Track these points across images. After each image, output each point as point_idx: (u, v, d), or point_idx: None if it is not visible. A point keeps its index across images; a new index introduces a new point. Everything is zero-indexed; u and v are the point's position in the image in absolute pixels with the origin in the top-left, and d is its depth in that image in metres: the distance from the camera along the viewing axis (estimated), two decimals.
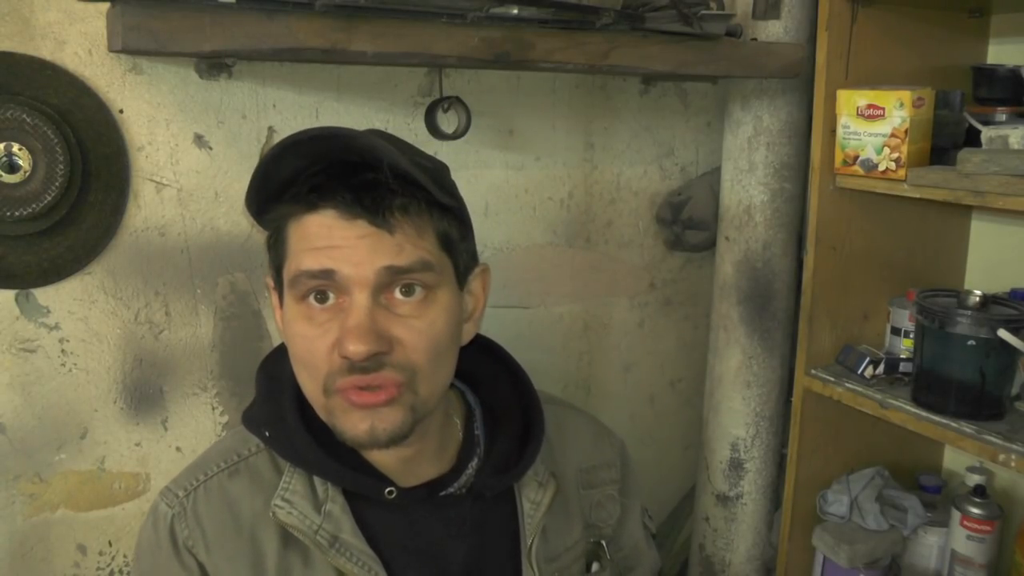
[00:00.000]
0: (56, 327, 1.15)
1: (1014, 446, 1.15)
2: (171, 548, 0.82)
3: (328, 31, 0.99)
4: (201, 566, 0.82)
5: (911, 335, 1.41)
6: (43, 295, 1.13)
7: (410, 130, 1.32)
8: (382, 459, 0.84)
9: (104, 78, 1.12)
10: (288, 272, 0.78)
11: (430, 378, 0.79)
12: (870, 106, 1.29)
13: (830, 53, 1.35)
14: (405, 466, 0.85)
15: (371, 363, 0.75)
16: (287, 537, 0.83)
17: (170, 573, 0.82)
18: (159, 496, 0.85)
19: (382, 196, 0.75)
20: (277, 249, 0.80)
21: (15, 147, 1.04)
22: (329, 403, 0.78)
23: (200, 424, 1.26)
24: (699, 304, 1.70)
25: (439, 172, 0.84)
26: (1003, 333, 1.18)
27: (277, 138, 1.24)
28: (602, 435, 1.02)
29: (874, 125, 1.29)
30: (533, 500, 0.89)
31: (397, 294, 0.77)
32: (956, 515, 1.39)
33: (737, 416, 1.58)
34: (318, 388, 0.78)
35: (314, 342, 0.77)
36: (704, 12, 1.24)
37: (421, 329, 0.77)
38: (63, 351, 1.16)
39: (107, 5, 1.01)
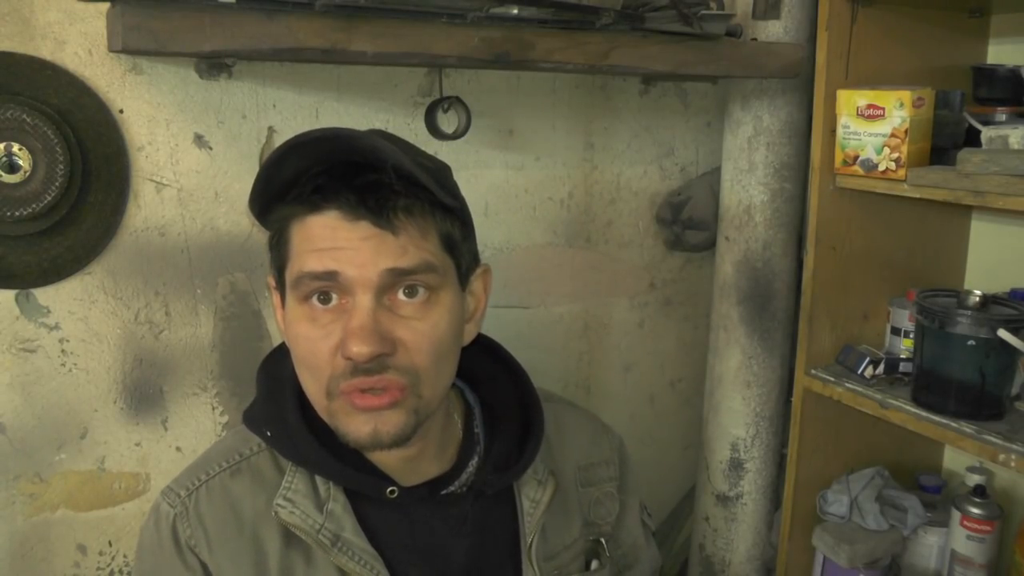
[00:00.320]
0: (56, 327, 1.15)
1: (1014, 446, 1.15)
2: (173, 548, 0.82)
3: (328, 31, 0.99)
4: (204, 566, 0.82)
5: (911, 335, 1.41)
6: (43, 295, 1.13)
7: (410, 130, 1.32)
8: (383, 458, 0.84)
9: (104, 78, 1.12)
10: (291, 273, 0.78)
11: (433, 380, 0.80)
12: (870, 106, 1.29)
13: (830, 53, 1.35)
14: (406, 465, 0.85)
15: (374, 365, 0.75)
16: (289, 536, 0.83)
17: (172, 573, 0.82)
18: (161, 496, 0.85)
19: (386, 197, 0.75)
20: (279, 250, 0.80)
21: (15, 147, 1.04)
22: (332, 405, 0.78)
23: (200, 424, 1.26)
24: (699, 304, 1.70)
25: (442, 173, 0.84)
26: (1003, 333, 1.18)
27: (277, 138, 1.24)
28: (600, 433, 1.03)
29: (874, 125, 1.29)
30: (532, 498, 0.89)
31: (400, 295, 0.77)
32: (956, 515, 1.39)
33: (737, 416, 1.58)
34: (321, 390, 0.78)
35: (317, 343, 0.77)
36: (704, 12, 1.24)
37: (424, 331, 0.77)
38: (63, 351, 1.16)
39: (107, 5, 1.01)
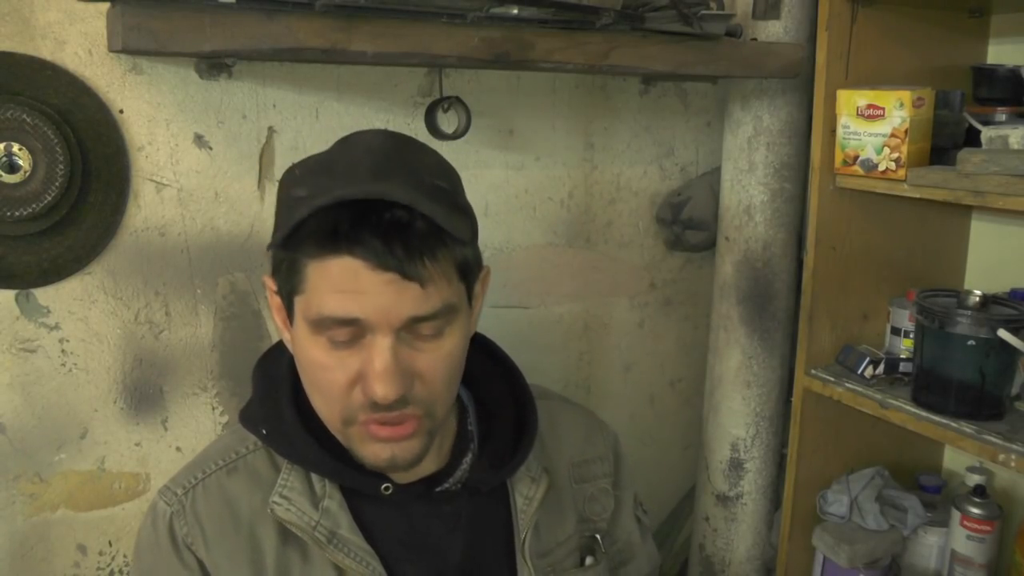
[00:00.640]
0: (56, 327, 1.15)
1: (1014, 446, 1.15)
2: (170, 546, 0.82)
3: (328, 31, 0.99)
4: (200, 563, 0.82)
5: (911, 335, 1.41)
6: (43, 295, 1.13)
7: (410, 130, 1.32)
8: None
9: (104, 78, 1.12)
10: (308, 308, 0.76)
11: (446, 400, 0.82)
12: (870, 106, 1.29)
13: (830, 53, 1.35)
14: None
15: (396, 403, 0.75)
16: (285, 534, 0.83)
17: (170, 571, 0.82)
18: (158, 494, 0.86)
19: (412, 244, 0.72)
20: (291, 276, 0.77)
21: (15, 147, 1.04)
22: (348, 431, 0.80)
23: (200, 424, 1.26)
24: (699, 304, 1.70)
25: (457, 194, 0.82)
26: (1003, 333, 1.18)
27: (277, 138, 1.24)
28: (594, 429, 1.03)
29: (874, 125, 1.29)
30: (526, 495, 0.90)
31: (419, 330, 0.77)
32: (956, 515, 1.39)
33: (737, 416, 1.58)
34: (336, 416, 0.79)
35: (332, 373, 0.77)
36: (704, 12, 1.24)
37: (439, 360, 0.78)
38: (63, 351, 1.16)
39: (107, 5, 1.01)
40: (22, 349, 1.13)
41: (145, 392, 1.22)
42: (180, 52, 0.95)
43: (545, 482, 0.91)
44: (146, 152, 1.16)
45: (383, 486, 0.83)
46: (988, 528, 1.36)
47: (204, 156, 1.20)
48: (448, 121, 1.32)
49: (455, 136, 1.31)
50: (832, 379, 1.41)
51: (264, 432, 0.85)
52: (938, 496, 1.50)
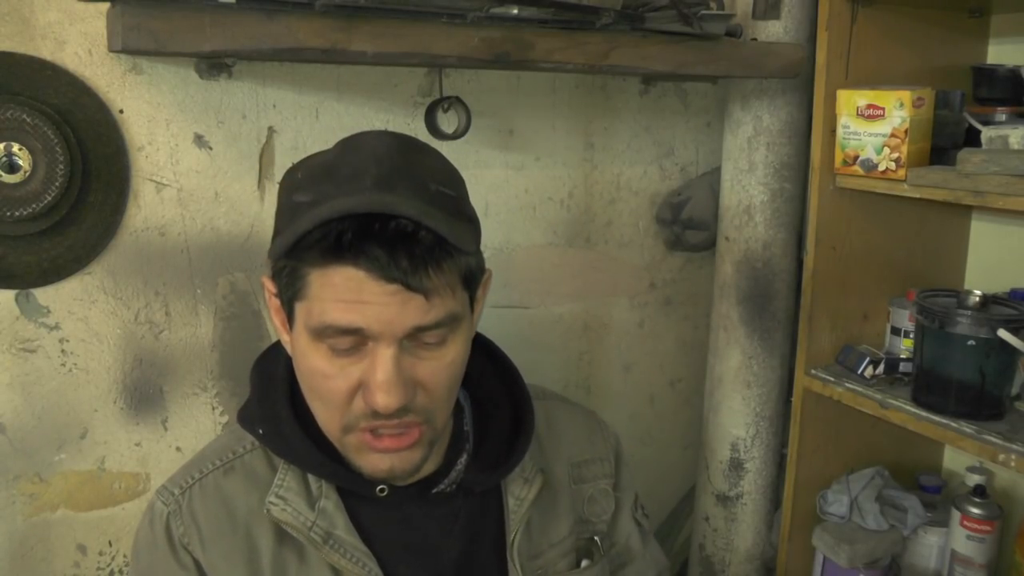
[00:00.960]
0: (56, 327, 1.14)
1: (1014, 446, 1.15)
2: (167, 545, 0.83)
3: (328, 31, 0.99)
4: (197, 563, 0.82)
5: (911, 335, 1.41)
6: (43, 295, 1.13)
7: (410, 130, 1.32)
8: None
9: (104, 78, 1.12)
10: (310, 317, 0.75)
11: (446, 408, 0.82)
12: (870, 106, 1.29)
13: (830, 53, 1.35)
14: None
15: (398, 412, 0.75)
16: (282, 534, 0.83)
17: (167, 570, 0.82)
18: (156, 494, 0.86)
19: (416, 255, 0.72)
20: (292, 283, 0.76)
21: (15, 147, 1.04)
22: (346, 439, 0.80)
23: (200, 424, 1.26)
24: (699, 304, 1.70)
25: (462, 199, 0.81)
26: (1003, 333, 1.18)
27: (277, 138, 1.24)
28: (595, 430, 1.02)
29: (874, 125, 1.29)
30: (517, 496, 0.89)
31: (421, 339, 0.76)
32: (956, 515, 1.39)
33: (737, 416, 1.58)
34: (335, 423, 0.79)
35: (333, 381, 0.76)
36: (704, 12, 1.24)
37: (442, 368, 0.78)
38: (63, 351, 1.16)
39: (107, 5, 1.01)
40: (22, 349, 1.13)
41: (145, 392, 1.22)
42: (180, 52, 0.95)
43: (538, 483, 0.90)
44: (146, 152, 1.16)
45: (378, 487, 0.83)
46: (988, 528, 1.36)
47: (204, 156, 1.20)
48: (448, 121, 1.32)
49: (455, 136, 1.31)
50: (832, 379, 1.41)
51: (261, 432, 0.85)
52: (938, 496, 1.50)
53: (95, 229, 1.14)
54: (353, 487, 0.84)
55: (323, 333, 0.75)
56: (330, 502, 0.83)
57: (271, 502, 0.82)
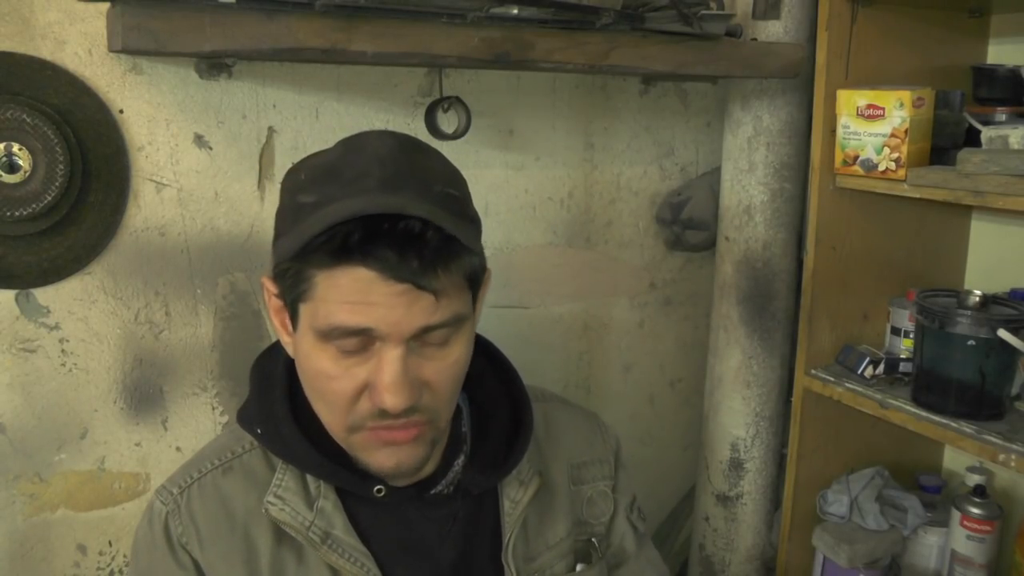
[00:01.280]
0: (56, 327, 1.15)
1: (1014, 446, 1.15)
2: (166, 545, 0.83)
3: (328, 31, 0.99)
4: (195, 563, 0.82)
5: (911, 335, 1.41)
6: (43, 295, 1.13)
7: (410, 130, 1.32)
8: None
9: (104, 78, 1.12)
10: (316, 318, 0.75)
11: (449, 407, 0.83)
12: (870, 106, 1.29)
13: (830, 53, 1.35)
14: None
15: (405, 412, 0.76)
16: (280, 534, 0.83)
17: (165, 570, 0.83)
18: (155, 494, 0.86)
19: (426, 255, 0.72)
20: (297, 284, 0.75)
21: (15, 147, 1.04)
22: (352, 438, 0.80)
23: (200, 424, 1.26)
24: (699, 304, 1.70)
25: (466, 200, 0.82)
26: (1003, 333, 1.18)
27: (277, 138, 1.24)
28: (596, 431, 1.02)
29: (874, 125, 1.29)
30: (513, 498, 0.89)
31: (427, 339, 0.77)
32: (956, 515, 1.39)
33: (737, 416, 1.58)
34: (340, 424, 0.80)
35: (338, 382, 0.77)
36: (704, 12, 1.24)
37: (447, 368, 0.79)
38: (63, 351, 1.16)
39: (107, 5, 1.01)
40: (22, 349, 1.13)
41: (145, 392, 1.22)
42: (180, 52, 0.95)
43: (535, 485, 0.90)
44: (146, 152, 1.16)
45: (376, 488, 0.83)
46: (988, 528, 1.36)
47: (204, 156, 1.20)
48: (448, 121, 1.32)
49: (455, 136, 1.31)
50: (832, 379, 1.41)
51: (259, 432, 0.85)
52: (938, 496, 1.50)
53: (95, 229, 1.14)
54: (351, 487, 0.84)
55: (330, 334, 0.74)
56: (328, 502, 0.83)
57: (269, 502, 0.82)
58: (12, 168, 1.04)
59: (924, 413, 1.27)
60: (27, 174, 1.05)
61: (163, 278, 1.20)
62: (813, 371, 1.44)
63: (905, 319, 1.43)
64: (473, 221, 0.81)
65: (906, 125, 1.26)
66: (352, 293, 0.72)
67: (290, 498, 0.82)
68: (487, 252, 1.44)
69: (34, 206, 1.05)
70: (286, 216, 0.79)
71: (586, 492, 0.98)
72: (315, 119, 1.26)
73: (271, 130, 1.24)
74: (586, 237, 1.55)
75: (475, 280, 0.80)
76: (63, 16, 1.08)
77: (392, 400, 0.74)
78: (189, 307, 1.23)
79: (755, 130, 1.48)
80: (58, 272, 1.13)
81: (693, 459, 1.73)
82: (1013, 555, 1.37)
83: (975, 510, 1.36)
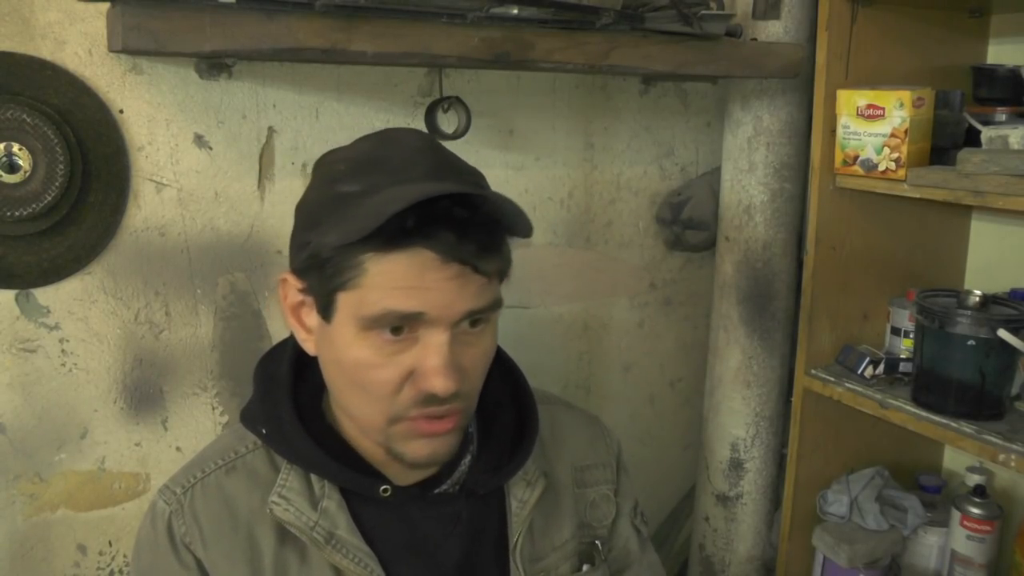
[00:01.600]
0: (56, 327, 1.14)
1: (1014, 446, 1.15)
2: (169, 545, 0.83)
3: (328, 31, 0.99)
4: (199, 563, 0.82)
5: (911, 335, 1.41)
6: (43, 295, 1.13)
7: None
8: (379, 458, 0.85)
9: (104, 78, 1.12)
10: (363, 305, 0.74)
11: (477, 395, 0.84)
12: (870, 106, 1.29)
13: (830, 53, 1.36)
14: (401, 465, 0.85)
15: (451, 397, 0.77)
16: (284, 534, 0.83)
17: (168, 570, 0.82)
18: (157, 493, 0.86)
19: (482, 238, 0.75)
20: (339, 272, 0.75)
21: (15, 147, 1.04)
22: (392, 429, 0.80)
23: (200, 424, 1.26)
24: (699, 304, 1.70)
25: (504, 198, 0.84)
26: (1003, 333, 1.18)
27: (277, 138, 1.24)
28: (599, 435, 1.02)
29: (874, 125, 1.29)
30: (520, 499, 0.89)
31: (466, 325, 0.78)
32: (956, 515, 1.39)
33: (737, 416, 1.58)
34: (381, 415, 0.79)
35: (380, 371, 0.76)
36: (704, 12, 1.24)
37: (480, 355, 0.80)
38: (63, 351, 1.16)
39: (107, 5, 1.01)
40: (22, 349, 1.13)
41: (145, 392, 1.22)
42: (180, 52, 0.95)
43: (541, 486, 0.91)
44: (146, 152, 1.16)
45: (381, 488, 0.83)
46: (988, 528, 1.36)
47: (204, 156, 1.20)
48: (448, 121, 1.32)
49: (455, 136, 1.31)
50: (832, 379, 1.41)
51: (264, 432, 0.85)
52: (938, 496, 1.50)
53: (95, 229, 1.14)
54: (356, 487, 0.84)
55: (379, 321, 0.75)
56: (332, 502, 0.83)
57: (273, 502, 0.82)
58: (12, 168, 1.04)
59: (924, 413, 1.28)
60: (27, 174, 1.04)
61: (163, 278, 1.20)
62: (813, 371, 1.44)
63: (905, 319, 1.43)
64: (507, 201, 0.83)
65: (906, 125, 1.26)
66: (406, 278, 0.73)
67: (294, 498, 0.82)
68: None
69: (34, 206, 1.05)
70: (324, 206, 0.78)
71: (589, 495, 0.98)
72: (315, 119, 1.26)
73: (271, 130, 1.24)
74: (586, 237, 1.55)
75: (506, 270, 0.82)
76: (63, 16, 1.08)
77: (443, 384, 0.75)
78: (189, 307, 1.23)
79: (755, 130, 1.48)
80: (58, 272, 1.13)
81: (693, 459, 1.73)
82: (1013, 555, 1.37)
83: (975, 510, 1.37)
